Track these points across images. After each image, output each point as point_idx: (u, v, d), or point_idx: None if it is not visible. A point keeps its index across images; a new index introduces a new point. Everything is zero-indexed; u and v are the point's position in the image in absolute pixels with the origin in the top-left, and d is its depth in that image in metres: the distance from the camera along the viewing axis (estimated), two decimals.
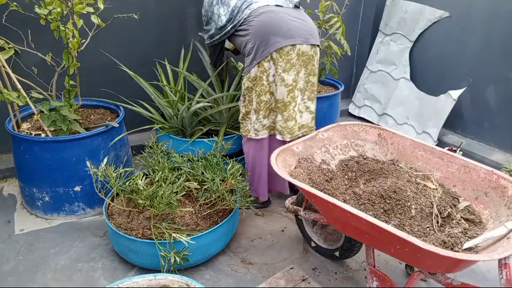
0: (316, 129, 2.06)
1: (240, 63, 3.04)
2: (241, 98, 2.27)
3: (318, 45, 2.25)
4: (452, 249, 1.44)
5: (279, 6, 2.19)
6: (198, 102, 2.52)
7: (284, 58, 2.11)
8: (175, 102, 2.58)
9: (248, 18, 2.16)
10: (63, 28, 2.15)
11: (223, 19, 2.25)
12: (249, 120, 2.27)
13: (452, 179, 1.81)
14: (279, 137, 2.27)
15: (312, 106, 2.35)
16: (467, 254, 1.41)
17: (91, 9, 2.25)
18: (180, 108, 2.52)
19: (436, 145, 2.73)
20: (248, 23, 2.16)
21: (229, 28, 2.25)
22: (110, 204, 2.11)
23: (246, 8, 2.18)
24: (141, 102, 2.70)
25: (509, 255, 1.28)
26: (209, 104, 2.58)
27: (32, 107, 2.25)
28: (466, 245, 1.44)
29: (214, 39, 2.37)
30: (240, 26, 2.20)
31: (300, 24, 2.17)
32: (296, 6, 2.26)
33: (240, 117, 2.32)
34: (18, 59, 2.58)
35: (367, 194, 1.73)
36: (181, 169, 2.15)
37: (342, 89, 3.34)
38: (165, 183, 1.96)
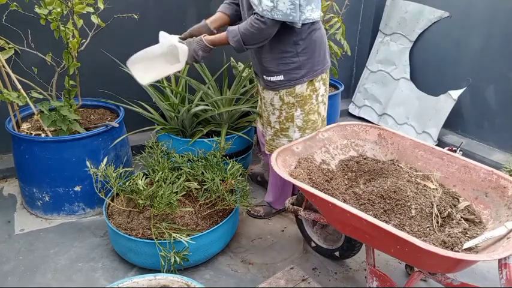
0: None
1: (240, 64, 3.03)
2: (276, 113, 2.08)
3: None
4: (452, 249, 1.44)
5: None
6: (197, 105, 2.52)
7: (327, 76, 2.11)
8: (176, 105, 2.58)
9: (311, 27, 1.90)
10: (63, 28, 2.16)
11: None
12: (287, 138, 2.11)
13: (452, 179, 1.81)
14: None
15: None
16: (467, 254, 1.41)
17: (91, 9, 2.25)
18: (180, 110, 2.52)
19: (436, 145, 2.73)
20: (309, 32, 1.90)
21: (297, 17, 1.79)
22: (110, 204, 2.11)
23: (307, 10, 1.82)
24: (141, 103, 2.69)
25: (509, 255, 1.28)
26: (209, 108, 2.59)
27: (32, 107, 2.25)
28: (466, 245, 1.44)
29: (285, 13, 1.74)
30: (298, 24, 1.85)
31: None
32: None
33: (271, 133, 2.16)
34: (18, 59, 2.58)
35: (367, 194, 1.73)
36: (181, 169, 2.15)
37: (342, 89, 3.34)
38: (165, 183, 1.96)
